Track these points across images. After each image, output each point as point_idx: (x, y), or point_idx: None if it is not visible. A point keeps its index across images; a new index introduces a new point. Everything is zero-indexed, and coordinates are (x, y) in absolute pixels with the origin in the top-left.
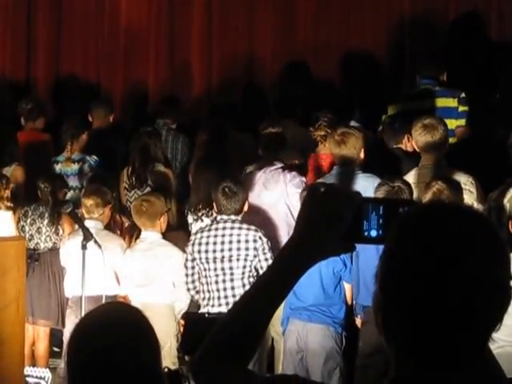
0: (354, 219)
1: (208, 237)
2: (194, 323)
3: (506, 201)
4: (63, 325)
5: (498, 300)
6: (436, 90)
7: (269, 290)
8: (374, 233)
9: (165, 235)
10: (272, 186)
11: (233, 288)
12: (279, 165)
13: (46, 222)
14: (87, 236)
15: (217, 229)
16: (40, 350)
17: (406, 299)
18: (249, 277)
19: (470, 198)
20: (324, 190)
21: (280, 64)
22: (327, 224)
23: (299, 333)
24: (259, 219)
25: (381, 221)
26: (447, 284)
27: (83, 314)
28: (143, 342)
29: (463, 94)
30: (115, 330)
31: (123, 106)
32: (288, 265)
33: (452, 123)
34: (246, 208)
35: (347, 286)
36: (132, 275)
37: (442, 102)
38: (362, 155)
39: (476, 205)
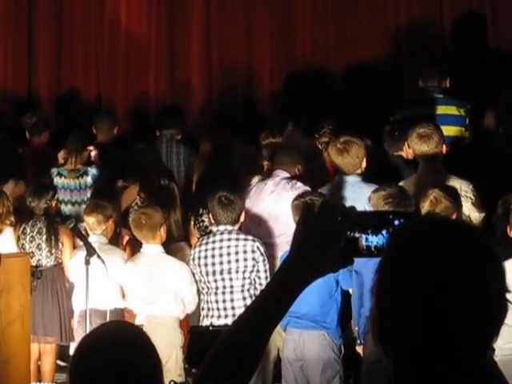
0: (350, 234)
1: (206, 250)
2: (198, 336)
3: None
4: (67, 340)
5: (494, 313)
6: (440, 98)
7: (267, 308)
8: (370, 246)
9: (168, 247)
10: (279, 197)
11: (232, 300)
12: (283, 174)
13: (44, 237)
14: (90, 251)
15: (214, 241)
16: (46, 365)
17: (401, 313)
18: (248, 289)
19: (470, 205)
20: (319, 207)
21: (279, 73)
22: (323, 241)
23: (296, 342)
24: (265, 229)
25: (376, 234)
26: (443, 299)
27: (88, 329)
28: (144, 361)
29: (469, 106)
30: (116, 349)
31: (124, 118)
32: (286, 284)
33: (455, 130)
34: (242, 218)
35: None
36: (136, 290)
37: (445, 110)
38: (364, 164)
39: (476, 212)
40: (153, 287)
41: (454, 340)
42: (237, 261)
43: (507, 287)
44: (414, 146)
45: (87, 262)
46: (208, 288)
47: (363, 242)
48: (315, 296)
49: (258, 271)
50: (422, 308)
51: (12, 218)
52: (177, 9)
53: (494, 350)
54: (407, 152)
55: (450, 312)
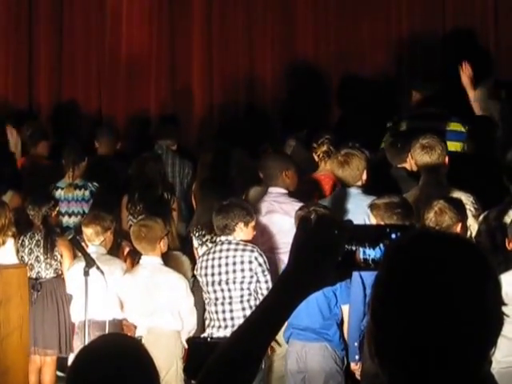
0: (347, 247)
1: (207, 260)
2: (197, 347)
3: (509, 220)
4: (66, 352)
5: (489, 325)
6: (444, 114)
7: (265, 321)
8: (367, 259)
9: (164, 256)
10: (272, 217)
11: (231, 311)
12: (276, 191)
13: (42, 249)
14: (89, 262)
15: (215, 251)
16: (46, 376)
17: (396, 327)
18: (248, 300)
19: (470, 217)
20: (315, 222)
21: (280, 83)
22: (320, 256)
23: (298, 354)
24: (267, 244)
25: (374, 247)
26: (438, 312)
27: (87, 340)
28: (141, 374)
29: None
30: (113, 361)
31: (125, 131)
32: (283, 297)
33: (460, 146)
34: (247, 231)
35: (345, 307)
36: (135, 302)
37: (450, 126)
38: (364, 176)
39: (476, 224)
40: (151, 300)
41: (450, 353)
42: (234, 271)
43: (503, 300)
44: (417, 157)
45: (86, 273)
46: (209, 299)
47: (360, 255)
48: (316, 308)
49: (258, 282)
50: (417, 322)
51: (14, 229)
52: (177, 20)
53: (491, 362)
54: (411, 164)
55: (446, 325)
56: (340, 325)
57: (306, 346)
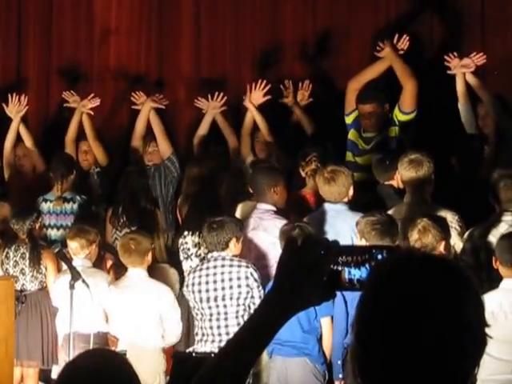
0: (333, 267)
1: (200, 276)
2: (181, 362)
3: (493, 239)
4: (49, 364)
5: (472, 346)
6: None
7: (249, 340)
8: (352, 279)
9: (151, 270)
10: (258, 236)
11: (227, 326)
12: (263, 207)
13: (27, 262)
14: (75, 276)
15: (208, 268)
16: None
17: (380, 348)
18: (243, 315)
19: (455, 235)
20: (302, 241)
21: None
22: (306, 275)
23: (278, 369)
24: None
25: (359, 267)
26: (420, 333)
27: (71, 353)
28: None
29: None
30: (98, 378)
31: (112, 142)
32: (268, 317)
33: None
34: (238, 246)
35: (324, 320)
36: (120, 315)
37: None
38: (351, 192)
39: (460, 242)
40: (137, 312)
41: (434, 374)
42: (231, 287)
43: (486, 322)
44: (403, 172)
45: (72, 287)
46: (202, 314)
47: (346, 275)
48: (295, 322)
49: (252, 297)
50: (401, 343)
51: (0, 241)
52: (166, 32)
53: (475, 382)
54: (398, 181)
55: (429, 347)
56: (319, 338)
57: (286, 362)
